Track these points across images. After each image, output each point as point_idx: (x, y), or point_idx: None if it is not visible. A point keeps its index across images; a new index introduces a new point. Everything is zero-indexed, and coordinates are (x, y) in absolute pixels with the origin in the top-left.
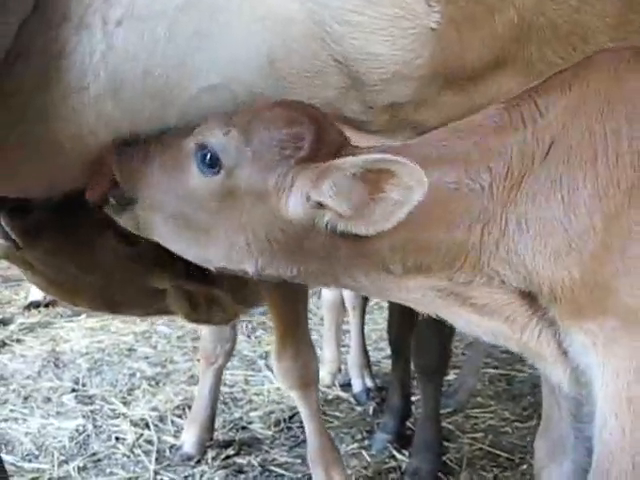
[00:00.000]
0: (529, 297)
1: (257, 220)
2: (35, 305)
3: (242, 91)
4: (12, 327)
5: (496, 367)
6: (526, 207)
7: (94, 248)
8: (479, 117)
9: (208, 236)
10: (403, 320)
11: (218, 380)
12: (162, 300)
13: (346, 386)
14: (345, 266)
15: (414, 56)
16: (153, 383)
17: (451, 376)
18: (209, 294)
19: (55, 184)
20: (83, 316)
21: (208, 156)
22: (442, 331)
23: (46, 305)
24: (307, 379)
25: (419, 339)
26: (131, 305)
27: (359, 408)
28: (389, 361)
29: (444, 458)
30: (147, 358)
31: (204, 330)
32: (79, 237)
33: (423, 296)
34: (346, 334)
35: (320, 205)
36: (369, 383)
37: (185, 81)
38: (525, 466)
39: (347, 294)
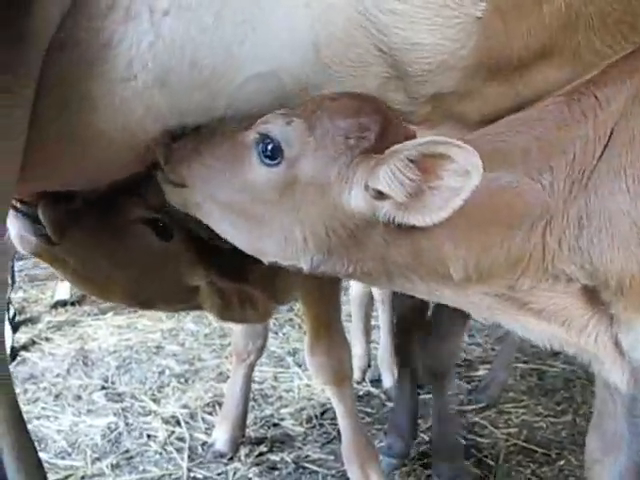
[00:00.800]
0: (591, 294)
1: (317, 213)
2: (62, 304)
3: (289, 79)
4: (40, 326)
5: (526, 362)
6: (589, 201)
7: (127, 242)
8: (537, 111)
9: (263, 229)
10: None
11: (249, 377)
12: (194, 298)
13: (376, 382)
14: (402, 268)
15: (459, 46)
16: (182, 380)
17: (481, 371)
18: (242, 292)
19: (99, 176)
20: (110, 314)
21: (270, 146)
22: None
23: (72, 304)
24: (341, 374)
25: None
26: (163, 302)
27: (390, 404)
28: None
29: (479, 454)
30: (175, 356)
31: (235, 327)
32: (112, 231)
33: (481, 301)
34: (374, 329)
35: (379, 195)
36: None
37: (232, 70)
38: (562, 462)
39: (376, 290)
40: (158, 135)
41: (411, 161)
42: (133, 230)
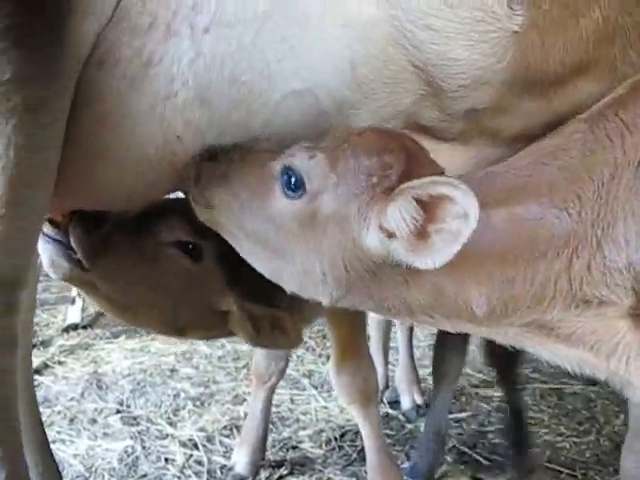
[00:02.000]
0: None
1: (336, 248)
2: (73, 327)
3: (325, 97)
4: (52, 349)
5: (545, 382)
6: (620, 224)
7: (159, 265)
8: (561, 139)
9: (283, 260)
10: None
11: (270, 399)
12: (225, 323)
13: (394, 403)
14: (424, 307)
15: (495, 61)
16: (198, 403)
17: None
18: (272, 317)
19: (135, 196)
20: (122, 337)
21: (292, 178)
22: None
23: (84, 327)
24: (367, 394)
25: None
26: (196, 328)
27: (410, 425)
28: None
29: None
30: (190, 379)
31: (258, 348)
32: (144, 254)
33: (506, 332)
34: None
35: (390, 235)
36: (418, 400)
37: (270, 87)
38: None
39: None
40: (196, 153)
41: (418, 200)
42: (164, 253)
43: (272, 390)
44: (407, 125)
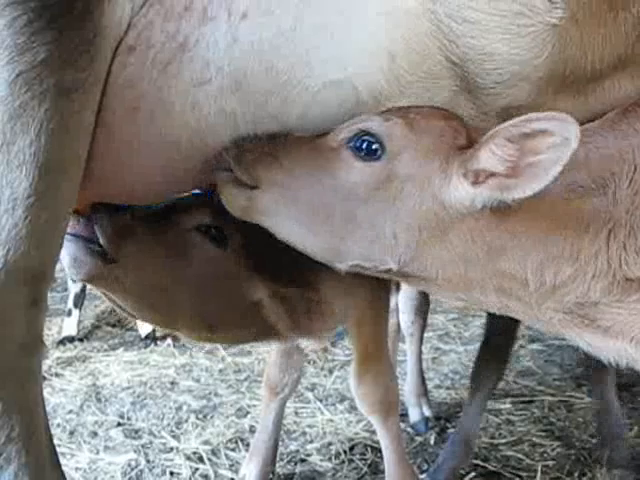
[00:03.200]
0: None
1: (412, 207)
2: (69, 340)
3: (364, 88)
4: (48, 362)
5: (553, 395)
6: None
7: (184, 253)
8: (596, 123)
9: (350, 228)
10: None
11: (282, 411)
12: (257, 319)
13: (402, 416)
14: (482, 273)
15: (533, 56)
16: (201, 416)
17: (508, 404)
18: (307, 299)
19: (164, 186)
20: (120, 350)
21: (368, 142)
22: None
23: (80, 339)
24: (388, 404)
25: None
26: (227, 325)
27: (419, 438)
28: (440, 391)
29: None
30: (191, 391)
31: (271, 358)
32: (167, 243)
33: (551, 318)
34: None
35: (478, 180)
36: (427, 412)
37: (308, 76)
38: None
39: (404, 322)
40: (229, 142)
41: (510, 139)
42: (188, 240)
43: (284, 402)
44: None
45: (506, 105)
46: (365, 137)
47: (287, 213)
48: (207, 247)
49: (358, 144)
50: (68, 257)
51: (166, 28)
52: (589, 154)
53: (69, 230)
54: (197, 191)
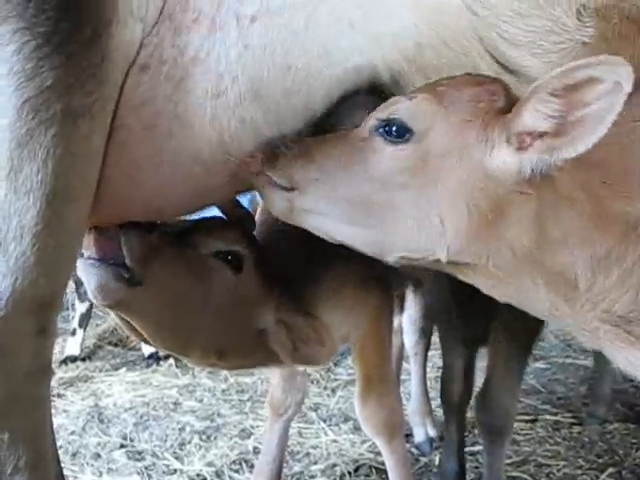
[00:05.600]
0: None
1: (455, 185)
2: (72, 359)
3: (386, 74)
4: (51, 382)
5: (556, 414)
6: None
7: (203, 278)
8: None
9: (393, 219)
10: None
11: (286, 432)
12: (263, 345)
13: (407, 436)
14: (533, 262)
15: None
16: (204, 437)
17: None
18: (311, 326)
19: (188, 202)
20: (123, 370)
21: (395, 126)
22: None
23: (83, 359)
24: (393, 426)
25: (485, 396)
26: (235, 351)
27: (424, 459)
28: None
29: None
30: (194, 412)
31: (274, 380)
32: (189, 266)
33: (597, 329)
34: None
35: (524, 144)
36: (431, 432)
37: (329, 67)
38: None
39: (409, 342)
40: (253, 148)
41: (554, 94)
42: (207, 265)
43: (288, 423)
44: None
45: None
46: (389, 122)
47: (327, 211)
48: (224, 272)
49: (387, 129)
50: (94, 283)
51: (177, 43)
52: (610, 160)
53: (93, 254)
54: (218, 213)
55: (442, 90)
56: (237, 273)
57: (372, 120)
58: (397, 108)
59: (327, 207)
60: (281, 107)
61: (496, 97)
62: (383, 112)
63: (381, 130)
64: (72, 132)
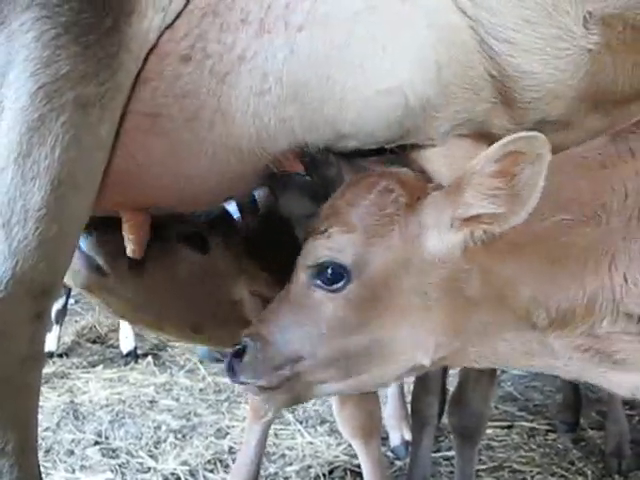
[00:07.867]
0: None
1: (410, 294)
2: (48, 355)
3: (413, 96)
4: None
5: (532, 420)
6: None
7: (170, 262)
8: (582, 149)
9: (366, 357)
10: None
11: (265, 434)
12: (239, 316)
13: (382, 439)
14: (494, 317)
15: (568, 76)
16: (180, 436)
17: (490, 429)
18: None
19: (219, 191)
20: (100, 367)
21: (329, 269)
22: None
23: (59, 355)
24: (370, 428)
25: (458, 400)
26: (211, 323)
27: (399, 462)
28: None
29: None
30: (170, 411)
31: None
32: (155, 253)
33: (570, 359)
34: None
35: (466, 224)
36: (407, 436)
37: (362, 85)
38: None
39: None
40: (286, 147)
41: (488, 173)
42: (173, 249)
43: (268, 425)
44: (476, 133)
45: (541, 119)
46: (321, 265)
47: (325, 379)
48: (191, 254)
49: (321, 277)
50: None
51: (223, 39)
52: (579, 185)
53: None
54: None
55: (344, 215)
56: (203, 253)
57: (302, 273)
58: (318, 252)
59: (323, 376)
60: (315, 114)
61: (396, 193)
62: (307, 258)
63: (318, 282)
64: (82, 120)
